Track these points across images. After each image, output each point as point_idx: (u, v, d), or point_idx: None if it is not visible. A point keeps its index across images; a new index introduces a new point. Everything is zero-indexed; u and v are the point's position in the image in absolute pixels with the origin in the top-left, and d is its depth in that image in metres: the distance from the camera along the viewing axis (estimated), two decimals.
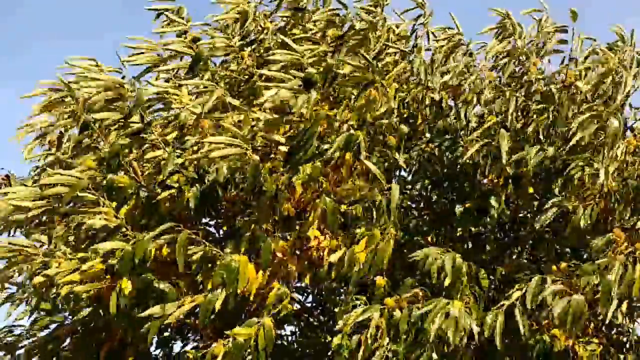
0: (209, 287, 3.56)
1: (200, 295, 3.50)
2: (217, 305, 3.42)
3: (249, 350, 3.50)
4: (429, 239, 4.84)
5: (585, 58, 4.59)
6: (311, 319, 5.06)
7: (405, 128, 4.38)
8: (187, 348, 4.61)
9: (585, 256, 4.66)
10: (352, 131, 3.86)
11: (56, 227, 3.62)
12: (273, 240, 3.76)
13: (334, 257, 3.91)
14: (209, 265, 3.57)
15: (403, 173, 5.05)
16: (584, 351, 4.12)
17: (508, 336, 4.10)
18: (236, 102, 3.91)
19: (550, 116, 4.42)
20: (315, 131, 3.64)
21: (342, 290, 4.83)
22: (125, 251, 3.37)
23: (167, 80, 4.25)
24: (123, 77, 3.98)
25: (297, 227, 4.07)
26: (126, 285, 3.36)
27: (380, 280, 4.09)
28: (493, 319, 3.80)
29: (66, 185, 3.32)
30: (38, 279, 3.39)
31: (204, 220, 4.42)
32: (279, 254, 3.83)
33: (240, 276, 3.47)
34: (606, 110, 4.01)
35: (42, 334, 4.06)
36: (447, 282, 3.85)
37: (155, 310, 3.40)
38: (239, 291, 3.51)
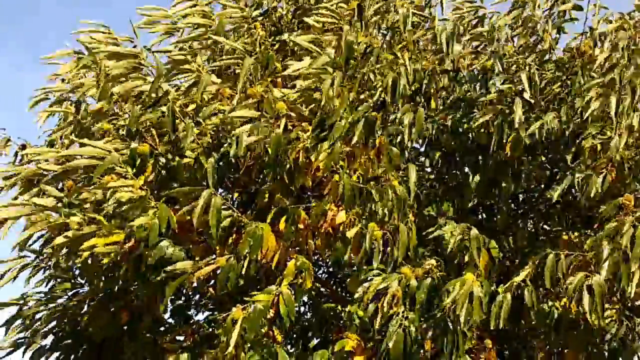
0: (226, 252, 3.61)
1: (222, 258, 3.53)
2: (238, 270, 3.45)
3: (269, 316, 3.54)
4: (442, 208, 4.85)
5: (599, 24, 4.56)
6: (323, 289, 5.10)
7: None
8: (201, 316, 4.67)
9: (596, 226, 4.68)
10: (369, 111, 3.87)
11: (78, 192, 3.62)
12: (295, 211, 3.76)
13: (350, 233, 3.95)
14: (234, 232, 3.58)
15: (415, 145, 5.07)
16: (595, 319, 4.17)
17: (518, 306, 4.16)
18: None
19: (565, 85, 4.41)
20: (341, 114, 3.65)
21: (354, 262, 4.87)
22: (152, 223, 3.39)
23: (181, 49, 4.22)
24: (135, 47, 3.96)
25: (313, 201, 4.11)
26: (147, 252, 3.38)
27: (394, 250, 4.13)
28: (500, 300, 3.87)
29: (96, 158, 3.31)
30: (58, 240, 3.40)
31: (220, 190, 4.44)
32: (300, 226, 3.85)
33: (263, 244, 3.49)
34: (621, 79, 4.01)
35: (61, 300, 4.09)
36: (467, 258, 3.87)
37: (179, 265, 3.43)
38: (259, 258, 3.54)
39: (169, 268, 3.44)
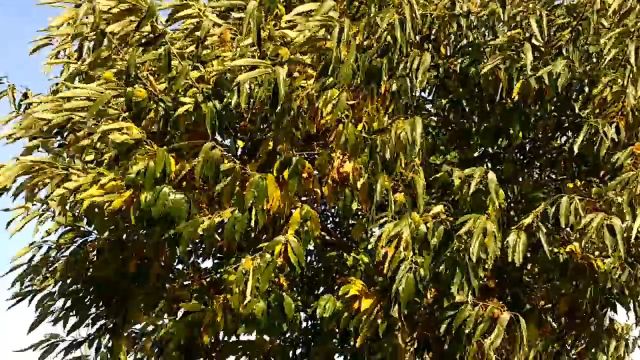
0: (230, 204, 3.61)
1: (227, 211, 3.53)
2: (244, 223, 3.46)
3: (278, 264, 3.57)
4: (448, 157, 4.83)
5: None
6: (328, 238, 5.13)
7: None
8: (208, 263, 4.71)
9: (602, 174, 4.66)
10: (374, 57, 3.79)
11: (78, 142, 3.60)
12: (299, 161, 3.75)
13: (359, 184, 3.94)
14: (235, 182, 3.57)
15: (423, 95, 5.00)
16: (602, 264, 4.21)
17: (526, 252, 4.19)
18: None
19: (576, 32, 4.30)
20: (350, 61, 3.57)
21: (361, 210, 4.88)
22: (148, 167, 3.37)
23: None
24: None
25: (318, 149, 4.08)
26: (145, 197, 3.38)
27: (400, 197, 4.14)
28: (515, 238, 3.89)
29: (89, 99, 3.28)
30: (58, 192, 3.41)
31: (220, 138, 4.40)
32: (304, 175, 3.84)
33: (268, 195, 3.49)
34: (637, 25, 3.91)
35: (70, 250, 4.13)
36: (491, 205, 3.85)
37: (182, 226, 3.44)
38: (265, 208, 3.54)
39: (179, 227, 3.42)
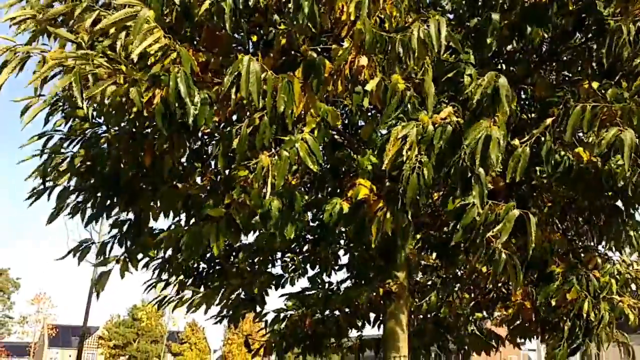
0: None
1: (255, 116, 3.49)
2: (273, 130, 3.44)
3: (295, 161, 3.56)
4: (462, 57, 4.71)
5: None
6: (337, 137, 5.11)
7: None
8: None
9: (619, 76, 4.59)
10: None
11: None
12: (321, 60, 3.67)
13: (370, 85, 3.87)
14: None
15: None
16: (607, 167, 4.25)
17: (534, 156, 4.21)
18: None
19: None
20: None
21: (371, 110, 4.83)
22: (173, 70, 3.29)
23: None
24: None
25: (332, 44, 3.97)
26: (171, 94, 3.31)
27: (411, 97, 4.07)
28: (519, 154, 3.89)
29: None
30: (62, 82, 3.32)
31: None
32: (325, 74, 3.76)
33: (296, 99, 3.43)
34: None
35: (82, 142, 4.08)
36: (501, 110, 3.81)
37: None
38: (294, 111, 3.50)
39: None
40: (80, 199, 4.31)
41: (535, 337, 5.86)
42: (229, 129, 3.68)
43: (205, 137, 4.45)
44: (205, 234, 3.88)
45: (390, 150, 3.87)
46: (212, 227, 3.90)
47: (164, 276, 5.12)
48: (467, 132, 3.79)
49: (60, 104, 3.94)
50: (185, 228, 4.17)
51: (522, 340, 6.16)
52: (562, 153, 4.37)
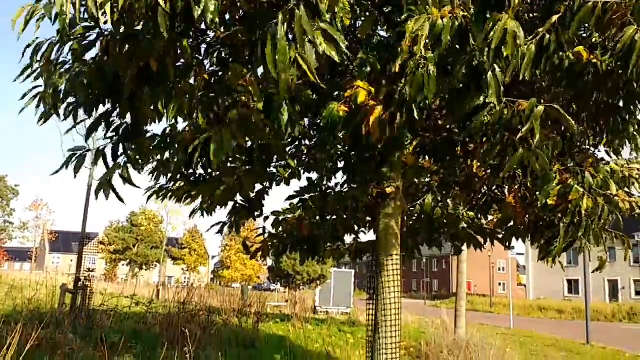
0: None
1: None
2: None
3: None
4: None
5: None
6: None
7: None
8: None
9: None
10: None
11: None
12: None
13: None
14: None
15: None
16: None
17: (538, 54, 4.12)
18: None
19: None
20: None
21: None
22: None
23: None
24: None
25: None
26: None
27: None
28: (524, 52, 3.80)
29: None
30: None
31: None
32: None
33: None
34: None
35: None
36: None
37: None
38: None
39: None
40: (71, 100, 4.23)
41: (527, 238, 6.00)
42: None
43: (199, 33, 4.33)
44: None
45: (405, 48, 3.74)
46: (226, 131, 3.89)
47: (162, 180, 5.15)
48: (476, 26, 3.69)
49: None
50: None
51: (514, 241, 6.32)
52: (560, 53, 4.29)
